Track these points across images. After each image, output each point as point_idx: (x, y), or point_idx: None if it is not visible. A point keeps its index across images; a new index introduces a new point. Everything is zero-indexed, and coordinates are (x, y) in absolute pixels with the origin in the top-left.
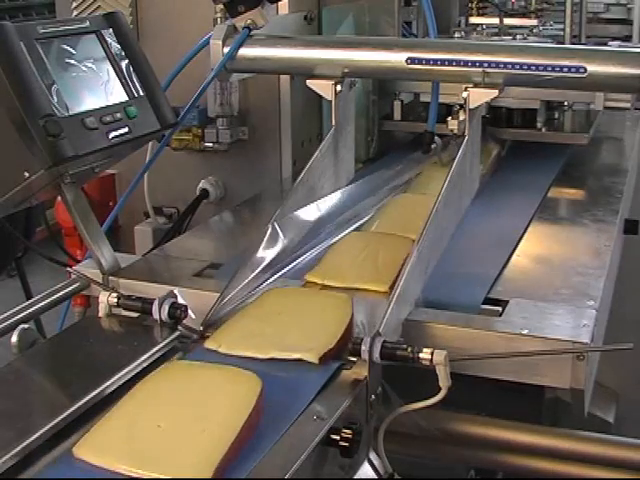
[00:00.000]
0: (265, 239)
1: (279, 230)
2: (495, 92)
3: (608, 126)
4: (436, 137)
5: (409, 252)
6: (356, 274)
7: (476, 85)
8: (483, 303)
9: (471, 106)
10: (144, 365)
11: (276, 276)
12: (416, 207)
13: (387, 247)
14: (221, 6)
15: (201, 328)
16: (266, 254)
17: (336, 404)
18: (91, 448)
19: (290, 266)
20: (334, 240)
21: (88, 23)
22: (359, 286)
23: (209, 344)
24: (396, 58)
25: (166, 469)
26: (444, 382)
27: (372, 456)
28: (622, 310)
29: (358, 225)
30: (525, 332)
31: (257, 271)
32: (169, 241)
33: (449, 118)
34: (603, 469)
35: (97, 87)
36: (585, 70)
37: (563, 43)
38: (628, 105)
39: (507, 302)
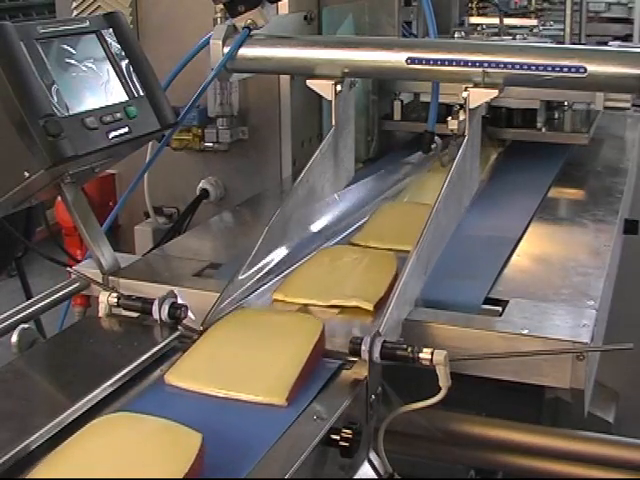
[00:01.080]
0: (265, 239)
1: (279, 230)
2: (495, 92)
3: (608, 126)
4: (436, 137)
5: None
6: (396, 237)
7: (476, 85)
8: (483, 303)
9: (471, 106)
10: (144, 365)
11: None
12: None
13: (421, 215)
14: (221, 6)
15: (201, 328)
16: (266, 254)
17: (336, 404)
18: (180, 375)
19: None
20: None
21: (88, 23)
22: (399, 247)
23: (276, 295)
24: (396, 58)
25: (247, 390)
26: (444, 382)
27: (372, 456)
28: (622, 310)
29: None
30: (525, 332)
31: (257, 271)
32: (169, 241)
33: (449, 118)
34: (603, 469)
35: (97, 87)
36: (585, 70)
37: (563, 43)
38: (628, 105)
39: (507, 302)
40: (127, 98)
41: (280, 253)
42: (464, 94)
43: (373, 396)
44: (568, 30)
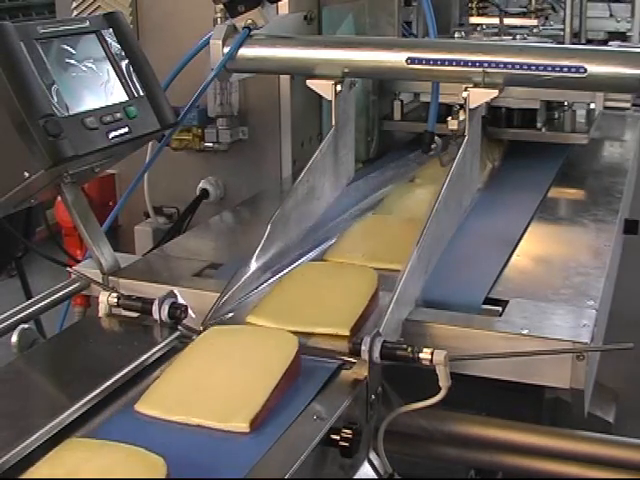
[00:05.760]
0: (265, 239)
1: (279, 230)
2: (495, 92)
3: (608, 126)
4: (436, 137)
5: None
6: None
7: (476, 85)
8: (483, 303)
9: (471, 106)
10: (144, 365)
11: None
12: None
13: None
14: (221, 6)
15: (201, 328)
16: (266, 254)
17: (336, 404)
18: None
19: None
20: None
21: (88, 23)
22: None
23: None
24: (396, 58)
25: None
26: (444, 382)
27: (372, 456)
28: (622, 310)
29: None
30: (525, 332)
31: (257, 271)
32: (169, 241)
33: (449, 118)
34: (603, 469)
35: (97, 87)
36: (585, 70)
37: (563, 43)
38: (628, 105)
39: (507, 302)
40: (127, 98)
41: (280, 253)
42: (464, 94)
43: (373, 396)
44: (568, 30)
